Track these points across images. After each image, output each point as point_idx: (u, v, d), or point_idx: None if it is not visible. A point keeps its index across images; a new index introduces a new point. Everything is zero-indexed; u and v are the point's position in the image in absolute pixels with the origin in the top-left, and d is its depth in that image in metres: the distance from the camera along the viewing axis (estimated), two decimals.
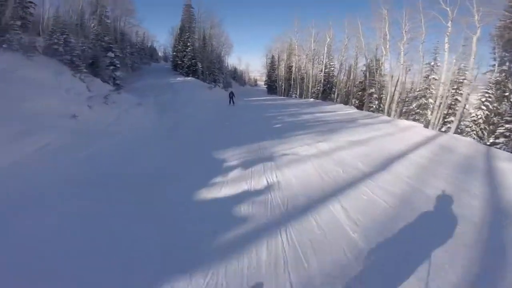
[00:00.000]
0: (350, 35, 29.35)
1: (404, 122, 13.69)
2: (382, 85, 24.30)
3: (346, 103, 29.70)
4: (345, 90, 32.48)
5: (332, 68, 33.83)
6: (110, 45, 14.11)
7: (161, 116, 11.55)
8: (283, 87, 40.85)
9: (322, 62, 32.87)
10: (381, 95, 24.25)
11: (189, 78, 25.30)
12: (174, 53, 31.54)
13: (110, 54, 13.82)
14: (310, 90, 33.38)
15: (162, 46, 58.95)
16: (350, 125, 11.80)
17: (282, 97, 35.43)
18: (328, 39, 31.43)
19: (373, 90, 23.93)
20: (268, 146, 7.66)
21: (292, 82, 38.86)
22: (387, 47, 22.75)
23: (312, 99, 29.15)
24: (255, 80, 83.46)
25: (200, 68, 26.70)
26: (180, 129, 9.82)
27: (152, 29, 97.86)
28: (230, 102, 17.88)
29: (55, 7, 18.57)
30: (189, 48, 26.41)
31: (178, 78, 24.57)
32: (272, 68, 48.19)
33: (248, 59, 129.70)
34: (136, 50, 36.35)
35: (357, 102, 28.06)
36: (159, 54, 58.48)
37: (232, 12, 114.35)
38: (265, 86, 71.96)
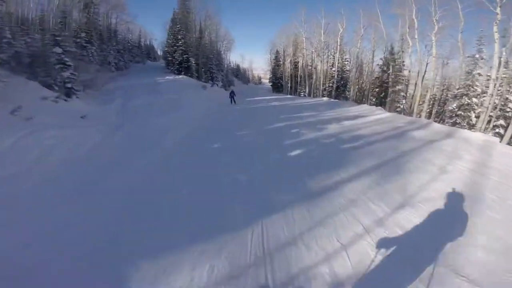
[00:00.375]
0: (366, 24, 25.25)
1: (467, 133, 9.25)
2: (409, 82, 20.20)
3: (361, 101, 25.67)
4: (357, 86, 28.42)
5: (345, 63, 29.72)
6: (57, 39, 10.51)
7: (108, 136, 7.36)
8: (289, 85, 36.84)
9: (334, 56, 28.73)
10: (407, 93, 20.20)
11: (180, 76, 21.70)
12: (166, 49, 28.00)
13: (57, 49, 10.24)
14: (321, 88, 29.34)
15: (161, 43, 55.64)
16: (415, 148, 6.99)
17: (289, 96, 31.41)
18: (341, 30, 27.26)
19: (400, 87, 19.79)
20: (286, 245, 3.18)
21: (299, 79, 34.81)
22: (415, 36, 18.61)
23: (325, 98, 25.13)
24: (259, 78, 79.83)
25: (194, 65, 23.05)
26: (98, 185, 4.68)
27: (150, 26, 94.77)
28: (231, 102, 17.00)
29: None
30: (180, 42, 22.77)
31: (168, 77, 21.01)
32: (277, 64, 44.16)
33: (252, 57, 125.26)
34: (127, 47, 33.13)
35: (373, 100, 24.09)
36: (158, 52, 55.15)
37: (234, 5, 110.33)
38: (270, 84, 68.25)
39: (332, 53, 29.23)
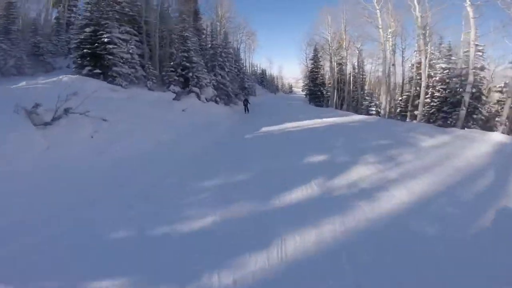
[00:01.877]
0: None
1: None
2: None
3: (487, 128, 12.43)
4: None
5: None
6: None
7: None
8: (335, 96, 24.39)
9: (425, 50, 15.67)
10: None
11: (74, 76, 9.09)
12: None
13: None
14: (409, 103, 16.51)
15: None
16: None
17: (342, 111, 18.93)
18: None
19: None
20: None
21: (350, 88, 22.53)
22: None
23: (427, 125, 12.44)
24: (290, 86, 68.66)
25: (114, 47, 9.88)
26: None
27: None
28: (245, 111, 15.10)
29: None
30: None
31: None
32: (316, 66, 32.17)
33: (281, 63, 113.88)
34: None
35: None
36: None
37: (262, 6, 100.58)
38: (304, 93, 55.69)
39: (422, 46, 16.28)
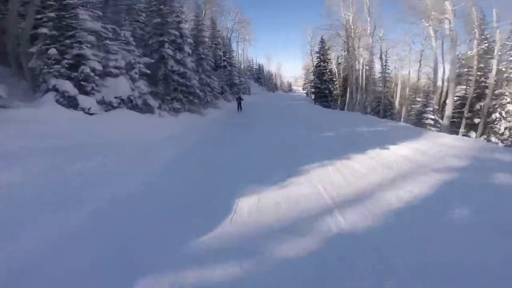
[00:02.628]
0: None
1: None
2: None
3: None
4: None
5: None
6: None
7: None
8: (358, 97, 18.88)
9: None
10: None
11: None
12: None
13: None
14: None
15: None
16: None
17: (384, 120, 13.24)
18: None
19: None
20: None
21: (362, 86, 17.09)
22: None
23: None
24: (289, 85, 63.27)
25: None
26: None
27: None
28: (238, 109, 14.52)
29: None
30: None
31: None
32: (323, 59, 26.80)
33: (280, 60, 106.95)
34: None
35: None
36: None
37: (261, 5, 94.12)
38: (304, 92, 50.18)
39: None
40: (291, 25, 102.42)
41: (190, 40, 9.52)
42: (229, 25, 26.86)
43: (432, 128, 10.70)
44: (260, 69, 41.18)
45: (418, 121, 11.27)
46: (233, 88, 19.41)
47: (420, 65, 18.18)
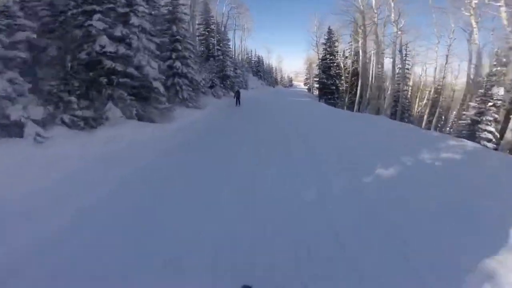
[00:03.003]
0: None
1: None
2: None
3: None
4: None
5: None
6: None
7: None
8: (388, 99, 16.16)
9: None
10: None
11: None
12: None
13: None
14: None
15: None
16: None
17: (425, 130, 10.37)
18: None
19: None
20: None
21: (396, 87, 14.38)
22: None
23: None
24: (290, 80, 60.24)
25: None
26: None
27: None
28: (236, 103, 14.27)
29: None
30: None
31: None
32: (330, 52, 24.02)
33: (281, 54, 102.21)
34: None
35: None
36: None
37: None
38: (305, 87, 47.07)
39: None
40: (293, 17, 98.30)
41: (143, 9, 6.36)
42: (224, 9, 23.68)
43: (488, 144, 8.00)
44: (259, 61, 38.17)
45: (471, 134, 8.45)
46: (226, 81, 16.60)
47: (446, 61, 15.35)
